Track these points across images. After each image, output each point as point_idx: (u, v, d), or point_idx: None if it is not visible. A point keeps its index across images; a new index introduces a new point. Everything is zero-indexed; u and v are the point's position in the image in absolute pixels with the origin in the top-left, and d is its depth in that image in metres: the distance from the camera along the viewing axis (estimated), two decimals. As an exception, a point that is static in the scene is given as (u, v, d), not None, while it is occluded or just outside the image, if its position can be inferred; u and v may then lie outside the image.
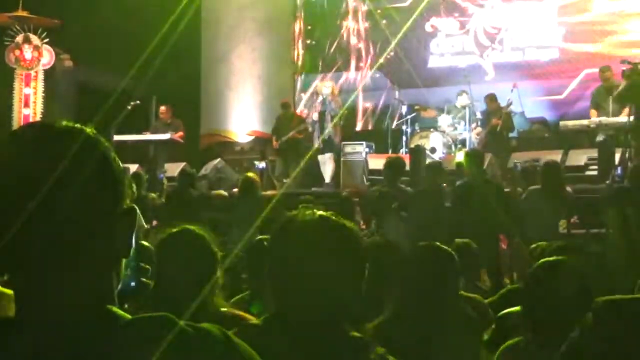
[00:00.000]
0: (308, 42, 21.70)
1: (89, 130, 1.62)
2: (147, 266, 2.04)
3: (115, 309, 1.59)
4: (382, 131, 19.03)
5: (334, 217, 2.67)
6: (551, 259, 4.06)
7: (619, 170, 13.52)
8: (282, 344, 2.47)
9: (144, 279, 2.00)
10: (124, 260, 1.67)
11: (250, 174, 14.10)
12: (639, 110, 13.26)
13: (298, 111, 20.22)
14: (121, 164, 1.66)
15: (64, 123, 1.61)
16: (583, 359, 2.78)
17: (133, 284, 1.96)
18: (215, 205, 13.99)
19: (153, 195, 13.94)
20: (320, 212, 2.66)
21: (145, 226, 11.43)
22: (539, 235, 9.58)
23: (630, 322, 2.76)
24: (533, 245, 7.19)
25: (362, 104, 20.86)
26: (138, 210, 1.67)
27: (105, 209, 1.58)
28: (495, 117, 16.50)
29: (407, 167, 13.80)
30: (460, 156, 12.49)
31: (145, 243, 2.07)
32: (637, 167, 11.80)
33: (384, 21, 20.71)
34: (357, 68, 21.11)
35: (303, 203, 9.82)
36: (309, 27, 21.69)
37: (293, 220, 2.67)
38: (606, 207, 11.47)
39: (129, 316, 1.58)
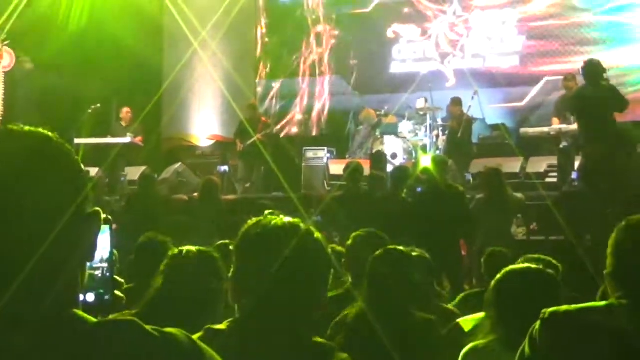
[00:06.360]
0: (269, 47, 21.72)
1: (51, 134, 1.62)
2: (122, 280, 2.05)
3: (80, 312, 1.59)
4: (342, 136, 19.02)
5: (300, 223, 2.67)
6: (518, 266, 4.13)
7: (575, 175, 13.66)
8: (246, 349, 2.47)
9: (118, 292, 2.00)
10: (101, 274, 1.67)
11: (211, 177, 14.10)
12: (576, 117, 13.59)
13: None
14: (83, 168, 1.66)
15: (26, 128, 1.61)
16: None
17: (107, 297, 1.96)
18: (176, 209, 13.95)
19: (114, 198, 13.90)
20: (287, 218, 2.67)
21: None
22: (491, 241, 9.67)
23: (577, 331, 2.80)
24: (488, 250, 7.29)
25: (324, 109, 20.90)
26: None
27: (69, 213, 1.57)
28: (456, 121, 16.57)
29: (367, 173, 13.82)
30: (426, 161, 12.50)
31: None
32: (580, 167, 12.02)
33: (346, 27, 20.80)
34: (318, 73, 21.11)
35: (261, 208, 9.83)
36: (270, 33, 21.71)
37: (258, 225, 2.67)
38: (556, 211, 11.60)
39: (94, 319, 1.58)
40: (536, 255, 5.26)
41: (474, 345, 4.16)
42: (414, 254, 6.08)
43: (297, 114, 21.22)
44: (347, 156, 17.46)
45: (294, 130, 21.15)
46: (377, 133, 17.83)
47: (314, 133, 20.88)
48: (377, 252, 5.04)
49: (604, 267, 3.04)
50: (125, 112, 18.32)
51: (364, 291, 4.82)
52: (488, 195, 11.66)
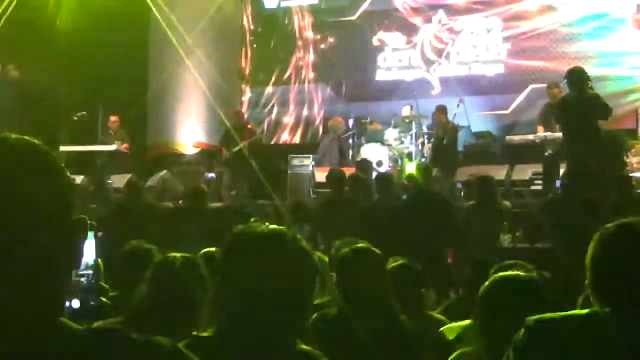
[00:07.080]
0: (256, 54, 21.72)
1: (38, 142, 1.62)
2: (107, 286, 2.06)
3: (66, 320, 1.59)
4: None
5: (286, 231, 2.67)
6: (507, 273, 4.13)
7: (559, 183, 13.70)
8: (232, 356, 2.47)
9: (103, 299, 2.01)
10: (87, 281, 1.67)
11: (198, 185, 14.09)
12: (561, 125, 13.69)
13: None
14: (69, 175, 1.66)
15: (14, 136, 1.61)
16: None
17: (93, 304, 1.97)
18: (161, 216, 13.92)
19: (100, 206, 13.87)
20: (273, 226, 2.67)
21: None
22: (480, 249, 9.68)
23: (560, 339, 2.81)
24: (474, 258, 7.31)
25: (310, 116, 20.92)
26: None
27: (55, 220, 1.58)
28: (440, 129, 16.60)
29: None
30: (411, 168, 12.52)
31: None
32: (564, 175, 12.04)
33: (332, 35, 20.82)
34: (304, 81, 21.12)
35: (247, 215, 9.80)
36: (257, 40, 21.72)
37: (244, 233, 2.67)
38: (540, 219, 11.63)
39: (80, 327, 1.58)
40: (512, 262, 5.26)
41: (461, 352, 4.16)
42: (399, 262, 6.09)
43: (282, 121, 21.22)
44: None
45: (280, 137, 21.16)
46: (363, 140, 17.86)
47: (300, 140, 20.87)
48: (344, 250, 5.01)
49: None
50: (113, 120, 18.30)
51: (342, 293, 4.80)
52: (478, 203, 11.65)
